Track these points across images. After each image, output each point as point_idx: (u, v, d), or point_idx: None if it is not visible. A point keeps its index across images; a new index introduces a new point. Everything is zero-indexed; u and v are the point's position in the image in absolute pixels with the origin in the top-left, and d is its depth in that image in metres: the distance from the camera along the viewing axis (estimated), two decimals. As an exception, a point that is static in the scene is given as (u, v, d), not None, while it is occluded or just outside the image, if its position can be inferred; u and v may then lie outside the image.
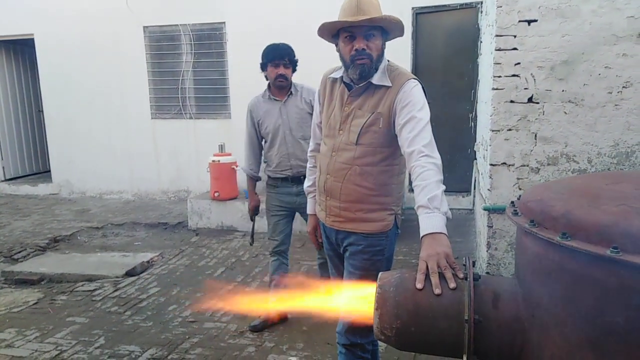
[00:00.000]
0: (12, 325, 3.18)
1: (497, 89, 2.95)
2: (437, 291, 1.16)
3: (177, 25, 6.37)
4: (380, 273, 1.28)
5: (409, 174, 1.79)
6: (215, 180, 5.31)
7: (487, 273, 3.23)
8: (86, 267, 4.32)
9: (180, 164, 6.78)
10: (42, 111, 7.51)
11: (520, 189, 3.01)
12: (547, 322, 1.01)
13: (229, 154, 5.45)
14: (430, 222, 1.37)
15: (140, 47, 6.59)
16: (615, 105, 2.76)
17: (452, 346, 1.13)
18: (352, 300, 1.74)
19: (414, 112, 1.58)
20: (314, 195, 2.05)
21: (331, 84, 1.83)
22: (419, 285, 1.18)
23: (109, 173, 7.06)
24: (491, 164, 3.03)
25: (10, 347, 2.88)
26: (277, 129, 3.07)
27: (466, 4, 5.45)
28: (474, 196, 5.91)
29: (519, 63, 2.88)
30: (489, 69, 3.19)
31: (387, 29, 1.66)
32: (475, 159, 5.60)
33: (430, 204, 1.39)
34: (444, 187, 1.45)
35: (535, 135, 2.94)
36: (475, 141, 5.39)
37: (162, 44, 6.55)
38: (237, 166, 5.40)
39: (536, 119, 2.92)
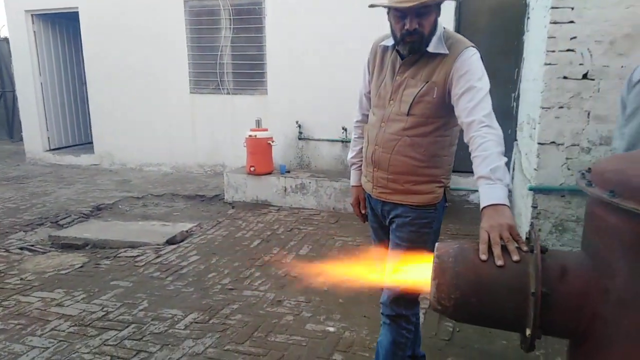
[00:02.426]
0: (61, 286, 3.34)
1: (549, 64, 2.83)
2: (500, 263, 1.13)
3: (217, 0, 6.37)
4: (436, 244, 1.26)
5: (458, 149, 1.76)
6: (252, 155, 5.36)
7: (529, 255, 3.16)
8: (128, 234, 4.48)
9: (217, 139, 6.87)
10: (85, 84, 7.73)
11: (568, 169, 2.91)
12: (624, 298, 0.97)
13: (266, 129, 5.47)
14: (493, 193, 1.33)
15: (180, 22, 6.64)
16: (680, 82, 2.59)
17: (514, 320, 1.11)
18: (399, 271, 1.74)
19: (473, 81, 1.52)
20: (358, 167, 2.03)
21: (382, 52, 1.79)
22: (482, 257, 1.14)
23: (149, 146, 7.24)
24: (539, 143, 2.93)
25: (61, 306, 3.03)
26: None
27: (514, -22, 5.20)
28: (513, 177, 5.75)
29: (575, 37, 2.75)
30: (541, 43, 3.06)
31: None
32: (516, 139, 5.43)
33: (493, 175, 1.35)
34: (505, 159, 1.40)
35: (589, 114, 2.82)
36: (517, 121, 5.22)
37: (201, 18, 6.58)
38: (273, 141, 5.43)
39: (590, 96, 2.79)
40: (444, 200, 1.78)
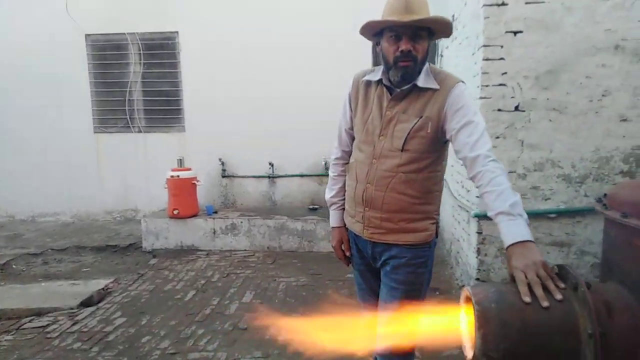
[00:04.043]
0: (-51, 374, 2.67)
1: (485, 97, 3.00)
2: (545, 304, 1.07)
3: (124, 33, 5.94)
4: (469, 288, 1.17)
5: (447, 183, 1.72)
6: (174, 197, 4.94)
7: (477, 279, 3.24)
8: (31, 299, 3.78)
9: (128, 181, 6.28)
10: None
11: (509, 195, 3.06)
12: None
13: (189, 169, 5.10)
14: (517, 229, 1.29)
15: (81, 57, 6.06)
16: (596, 112, 2.90)
17: None
18: (400, 320, 1.61)
19: (470, 115, 1.50)
20: (339, 207, 1.91)
21: (365, 87, 1.71)
22: (526, 299, 1.08)
23: (43, 193, 6.36)
24: (481, 172, 3.06)
25: (-47, 402, 2.40)
26: None
27: (423, 19, 5.59)
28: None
29: (505, 73, 2.96)
30: (472, 79, 3.25)
31: (434, 29, 1.57)
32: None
33: (513, 210, 1.31)
34: (518, 194, 1.38)
35: (522, 143, 3.02)
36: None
37: (106, 53, 6.07)
38: (198, 181, 5.08)
39: (522, 126, 3.00)
40: (436, 236, 1.72)
